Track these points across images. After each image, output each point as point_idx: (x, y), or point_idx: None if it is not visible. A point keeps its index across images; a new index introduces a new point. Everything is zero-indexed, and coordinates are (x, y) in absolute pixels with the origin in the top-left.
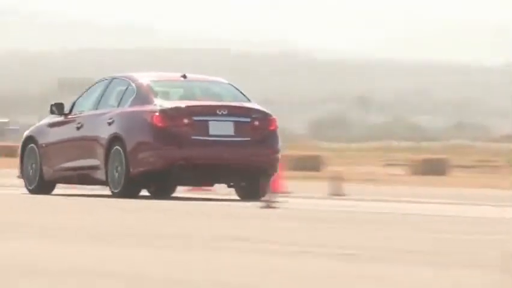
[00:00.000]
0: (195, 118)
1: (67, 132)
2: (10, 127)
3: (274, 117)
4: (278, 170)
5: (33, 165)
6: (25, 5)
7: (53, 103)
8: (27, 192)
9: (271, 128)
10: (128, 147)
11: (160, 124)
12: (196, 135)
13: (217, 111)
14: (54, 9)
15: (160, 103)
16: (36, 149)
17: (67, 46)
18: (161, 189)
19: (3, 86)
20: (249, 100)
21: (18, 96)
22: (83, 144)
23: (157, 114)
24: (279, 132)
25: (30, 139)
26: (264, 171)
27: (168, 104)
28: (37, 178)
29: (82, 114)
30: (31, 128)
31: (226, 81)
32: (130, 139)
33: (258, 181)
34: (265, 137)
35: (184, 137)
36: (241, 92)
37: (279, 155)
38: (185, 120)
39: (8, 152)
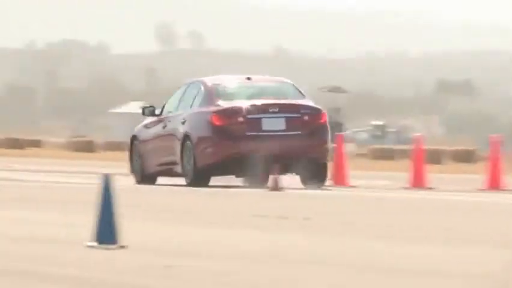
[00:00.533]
0: (249, 116)
1: (157, 131)
2: (389, 129)
3: (324, 111)
4: (328, 159)
5: (138, 161)
6: (407, 5)
7: (145, 106)
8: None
9: (321, 121)
10: (194, 144)
11: (217, 123)
12: (250, 131)
13: (269, 109)
14: (435, 9)
15: (221, 104)
16: (139, 146)
17: (447, 48)
18: (251, 177)
19: (380, 88)
20: (304, 97)
21: (394, 98)
22: (167, 143)
23: (215, 114)
24: (328, 125)
25: (134, 138)
26: (314, 160)
27: (226, 105)
28: (140, 172)
29: (167, 115)
30: (136, 128)
31: (288, 81)
32: (196, 137)
33: (311, 169)
34: (314, 130)
35: (239, 133)
36: (298, 90)
37: (328, 146)
38: (240, 119)
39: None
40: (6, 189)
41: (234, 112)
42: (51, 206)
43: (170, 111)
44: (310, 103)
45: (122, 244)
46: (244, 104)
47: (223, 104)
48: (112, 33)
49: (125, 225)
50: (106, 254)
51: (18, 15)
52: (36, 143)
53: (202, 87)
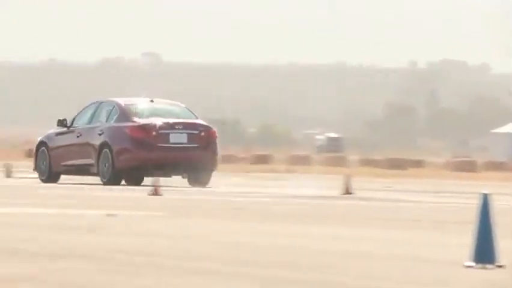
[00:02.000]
0: (160, 131)
1: (70, 139)
2: None
3: (214, 129)
4: (217, 167)
5: (45, 162)
6: None
7: (59, 119)
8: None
9: (213, 137)
10: (114, 152)
11: (134, 135)
12: (161, 143)
13: (176, 126)
14: None
15: (137, 120)
16: (46, 151)
17: None
18: (136, 180)
19: None
20: (196, 117)
21: None
22: (82, 148)
23: (132, 128)
24: (218, 140)
25: (42, 143)
26: (208, 167)
27: (142, 121)
28: (47, 171)
29: (79, 127)
30: (43, 135)
31: (182, 105)
32: (115, 146)
33: (201, 174)
34: (209, 144)
35: (152, 144)
36: (191, 112)
37: (218, 156)
38: (154, 133)
39: None
40: (377, 209)
41: (148, 127)
42: (429, 226)
43: (80, 124)
44: (204, 122)
45: (499, 264)
46: (157, 121)
47: (139, 120)
48: (491, 53)
49: (501, 244)
50: (484, 273)
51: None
52: (417, 164)
53: (117, 106)
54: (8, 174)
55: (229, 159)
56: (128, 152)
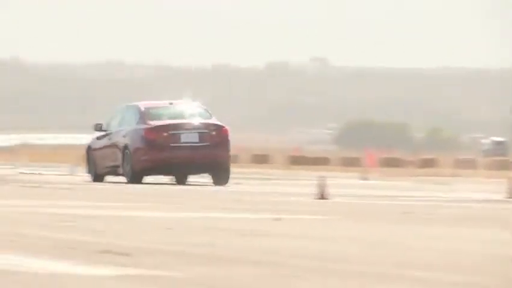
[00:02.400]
0: (171, 132)
1: (105, 142)
2: None
3: (226, 127)
4: (229, 164)
5: (91, 165)
6: None
7: (96, 123)
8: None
9: (223, 135)
10: (132, 152)
11: (149, 137)
12: (172, 143)
13: (186, 127)
14: None
15: (152, 123)
16: (91, 154)
17: None
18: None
19: None
20: (211, 117)
21: None
22: (112, 150)
23: (147, 130)
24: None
25: (88, 147)
26: (219, 164)
27: (155, 123)
28: (93, 173)
29: (111, 131)
30: (89, 140)
31: (200, 104)
32: (133, 147)
33: (218, 172)
34: (219, 142)
35: (164, 144)
36: (208, 111)
37: (229, 154)
38: (165, 134)
39: None
40: None
41: (160, 129)
42: None
43: (112, 128)
44: (217, 122)
45: None
46: (169, 122)
47: (153, 122)
48: None
49: None
50: None
51: None
52: None
53: (138, 110)
54: None
55: (395, 162)
56: (143, 152)
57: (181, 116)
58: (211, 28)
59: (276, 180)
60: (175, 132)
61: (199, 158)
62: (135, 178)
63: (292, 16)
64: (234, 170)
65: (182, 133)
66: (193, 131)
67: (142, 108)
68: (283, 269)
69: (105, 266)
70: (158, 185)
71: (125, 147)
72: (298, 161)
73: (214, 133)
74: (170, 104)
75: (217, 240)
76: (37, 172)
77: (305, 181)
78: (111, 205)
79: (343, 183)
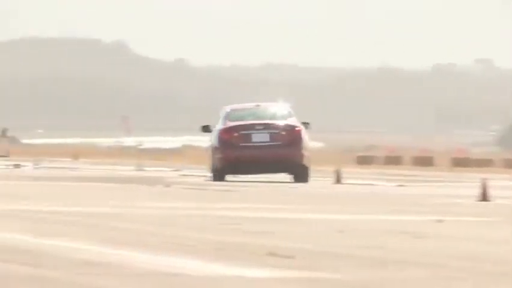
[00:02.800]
0: (242, 132)
1: (210, 143)
2: None
3: (299, 128)
4: (304, 161)
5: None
6: None
7: (202, 125)
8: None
9: (295, 134)
10: (212, 152)
11: (223, 136)
12: (243, 142)
13: (256, 127)
14: None
15: (228, 124)
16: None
17: None
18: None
19: None
20: (292, 117)
21: None
22: (209, 150)
23: (221, 131)
24: (305, 138)
25: (209, 147)
26: (293, 163)
27: (230, 124)
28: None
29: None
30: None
31: (286, 105)
32: (213, 147)
33: (294, 170)
34: (291, 142)
35: (236, 144)
36: (290, 112)
37: (302, 152)
38: (236, 134)
39: None
40: None
41: (233, 129)
42: None
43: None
44: (292, 123)
45: None
46: (242, 123)
47: (229, 123)
48: None
49: None
50: None
51: None
52: None
53: (224, 111)
54: (338, 180)
55: None
56: (219, 152)
57: (260, 117)
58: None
59: (439, 183)
60: (246, 132)
61: (268, 157)
62: (214, 177)
63: (458, 18)
64: (396, 172)
65: (254, 133)
66: (264, 131)
67: (228, 110)
68: (444, 271)
69: (270, 268)
70: (319, 185)
71: (211, 147)
72: (461, 162)
73: (284, 133)
74: (257, 106)
75: (385, 243)
76: (199, 174)
77: (468, 183)
78: (272, 207)
79: (506, 185)
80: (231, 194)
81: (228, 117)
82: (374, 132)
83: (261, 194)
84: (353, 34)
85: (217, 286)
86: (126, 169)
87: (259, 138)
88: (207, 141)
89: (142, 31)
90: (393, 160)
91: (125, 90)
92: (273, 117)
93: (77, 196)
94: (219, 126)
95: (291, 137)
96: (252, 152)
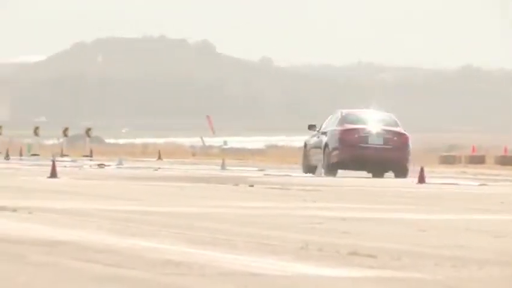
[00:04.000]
0: (361, 134)
1: (314, 141)
2: None
3: (406, 134)
4: (408, 163)
5: (305, 160)
6: None
7: (309, 124)
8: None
9: (403, 141)
10: (330, 150)
11: (342, 137)
12: (361, 143)
13: (374, 131)
14: None
15: (347, 126)
16: (304, 151)
17: None
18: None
19: None
20: (398, 126)
21: None
22: (317, 148)
23: (341, 131)
24: (410, 143)
25: (304, 145)
26: (399, 163)
27: (349, 127)
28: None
29: (320, 131)
30: (306, 139)
31: (391, 115)
32: (330, 145)
33: (397, 169)
34: (400, 146)
35: (355, 144)
36: (396, 120)
37: (408, 156)
38: (356, 135)
39: None
40: None
41: (353, 131)
42: None
43: (323, 129)
44: (401, 130)
45: None
46: (361, 127)
47: (349, 126)
48: None
49: None
50: None
51: None
52: None
53: (340, 114)
54: (422, 180)
55: None
56: (337, 150)
57: (372, 122)
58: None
59: None
60: (364, 135)
61: (380, 157)
62: (329, 171)
63: None
64: (479, 171)
65: (369, 136)
66: (379, 136)
67: (344, 113)
68: None
69: (351, 268)
70: (397, 184)
71: (325, 145)
72: None
73: (395, 138)
74: (367, 111)
75: (466, 242)
76: (283, 174)
77: None
78: (354, 206)
79: None
80: (314, 194)
81: (344, 120)
82: (459, 131)
83: (343, 193)
84: (438, 35)
85: (299, 286)
86: (210, 168)
87: (375, 141)
88: (299, 140)
89: (228, 31)
90: (476, 159)
91: (210, 90)
92: (385, 123)
93: (161, 196)
94: (332, 127)
95: (400, 142)
96: (368, 152)
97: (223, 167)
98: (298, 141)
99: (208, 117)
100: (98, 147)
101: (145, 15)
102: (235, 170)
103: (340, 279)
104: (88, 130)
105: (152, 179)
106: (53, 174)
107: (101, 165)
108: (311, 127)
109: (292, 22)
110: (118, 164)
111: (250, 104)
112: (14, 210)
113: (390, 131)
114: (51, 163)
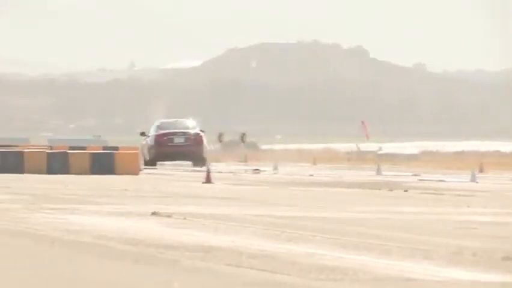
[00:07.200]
0: (169, 136)
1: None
2: None
3: (201, 134)
4: (204, 155)
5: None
6: None
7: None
8: None
9: (198, 138)
10: (149, 148)
11: (157, 139)
12: (169, 143)
13: (177, 133)
14: None
15: (160, 131)
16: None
17: None
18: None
19: None
20: (196, 128)
21: None
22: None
23: (156, 136)
24: (204, 140)
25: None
26: (194, 157)
27: (161, 132)
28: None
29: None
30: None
31: (193, 120)
32: (150, 145)
33: (195, 160)
34: (196, 143)
35: (166, 144)
36: (196, 125)
37: (204, 151)
38: (165, 137)
39: None
40: None
41: (162, 134)
42: None
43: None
44: (196, 131)
45: None
46: (167, 131)
47: (161, 131)
48: None
49: None
50: None
51: None
52: None
53: (157, 123)
54: None
55: None
56: (153, 148)
57: (175, 127)
58: None
59: None
60: (170, 136)
61: (183, 152)
62: (150, 163)
63: None
64: None
65: (175, 137)
66: (181, 136)
67: (159, 122)
68: None
69: (505, 273)
70: None
71: (147, 145)
72: None
73: (192, 138)
74: (177, 120)
75: None
76: (437, 179)
77: None
78: (506, 212)
79: None
80: (467, 199)
81: (158, 126)
82: None
83: (496, 198)
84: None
85: None
86: (365, 174)
87: (178, 140)
88: (454, 146)
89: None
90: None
91: (365, 95)
92: (186, 126)
93: (315, 201)
94: (152, 133)
95: (196, 141)
96: (174, 149)
97: (378, 172)
98: (452, 146)
99: (362, 122)
100: (253, 153)
101: (298, 21)
102: (389, 175)
103: (493, 285)
104: (243, 135)
105: (307, 184)
106: (208, 180)
107: (256, 171)
108: (142, 134)
109: (445, 28)
110: (273, 170)
111: (404, 109)
112: (169, 216)
113: (188, 132)
114: (205, 169)
